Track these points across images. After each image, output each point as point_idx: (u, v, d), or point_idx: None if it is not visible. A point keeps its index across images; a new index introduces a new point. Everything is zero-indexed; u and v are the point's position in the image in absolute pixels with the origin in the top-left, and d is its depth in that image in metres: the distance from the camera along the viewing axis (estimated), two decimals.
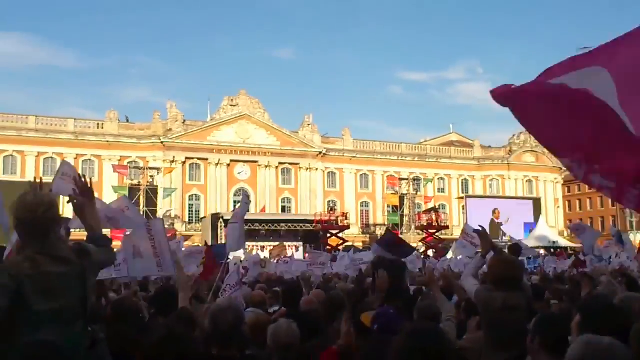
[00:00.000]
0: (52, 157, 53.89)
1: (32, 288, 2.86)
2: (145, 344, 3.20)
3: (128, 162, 55.52)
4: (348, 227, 51.52)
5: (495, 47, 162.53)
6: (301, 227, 47.95)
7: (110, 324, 4.71)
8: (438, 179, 68.71)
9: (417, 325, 2.94)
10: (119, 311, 4.92)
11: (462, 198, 65.24)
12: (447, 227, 56.56)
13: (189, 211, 58.43)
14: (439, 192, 68.26)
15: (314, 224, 48.29)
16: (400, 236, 51.03)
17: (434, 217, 55.91)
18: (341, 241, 48.11)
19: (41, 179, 4.03)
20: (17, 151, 53.72)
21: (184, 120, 59.29)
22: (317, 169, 62.91)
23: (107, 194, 44.64)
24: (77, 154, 54.78)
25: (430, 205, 61.48)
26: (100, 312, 5.26)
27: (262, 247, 42.33)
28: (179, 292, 5.48)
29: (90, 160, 55.83)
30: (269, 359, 3.77)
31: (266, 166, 60.60)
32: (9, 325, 2.80)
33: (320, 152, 62.81)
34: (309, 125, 63.75)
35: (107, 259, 3.38)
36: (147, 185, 51.48)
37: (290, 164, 62.18)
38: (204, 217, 53.15)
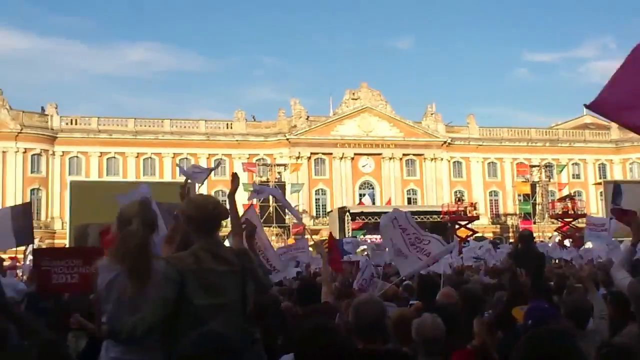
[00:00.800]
0: (186, 158, 56.90)
1: (194, 283, 3.07)
2: (294, 337, 3.28)
3: (256, 160, 57.47)
4: (477, 218, 50.36)
5: (629, 22, 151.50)
6: (428, 218, 47.33)
7: (254, 318, 4.86)
8: (572, 164, 65.27)
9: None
10: (261, 306, 5.06)
11: (599, 184, 61.46)
12: (584, 215, 53.26)
13: (316, 205, 59.49)
14: (573, 178, 64.85)
15: (441, 215, 47.58)
16: (534, 226, 49.09)
17: (569, 205, 53.35)
18: (470, 232, 47.00)
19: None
20: (155, 153, 57.15)
21: (308, 116, 60.32)
22: (442, 159, 61.83)
23: (238, 191, 46.27)
24: (209, 154, 57.48)
25: (565, 192, 58.58)
26: None
27: None
28: (322, 286, 5.57)
29: (221, 159, 58.29)
30: (414, 354, 3.74)
31: (390, 158, 60.35)
32: (174, 317, 3.02)
33: (445, 142, 61.64)
34: (432, 114, 62.71)
35: (264, 281, 3.82)
36: (275, 182, 52.97)
37: (414, 155, 61.52)
38: (331, 211, 53.93)
